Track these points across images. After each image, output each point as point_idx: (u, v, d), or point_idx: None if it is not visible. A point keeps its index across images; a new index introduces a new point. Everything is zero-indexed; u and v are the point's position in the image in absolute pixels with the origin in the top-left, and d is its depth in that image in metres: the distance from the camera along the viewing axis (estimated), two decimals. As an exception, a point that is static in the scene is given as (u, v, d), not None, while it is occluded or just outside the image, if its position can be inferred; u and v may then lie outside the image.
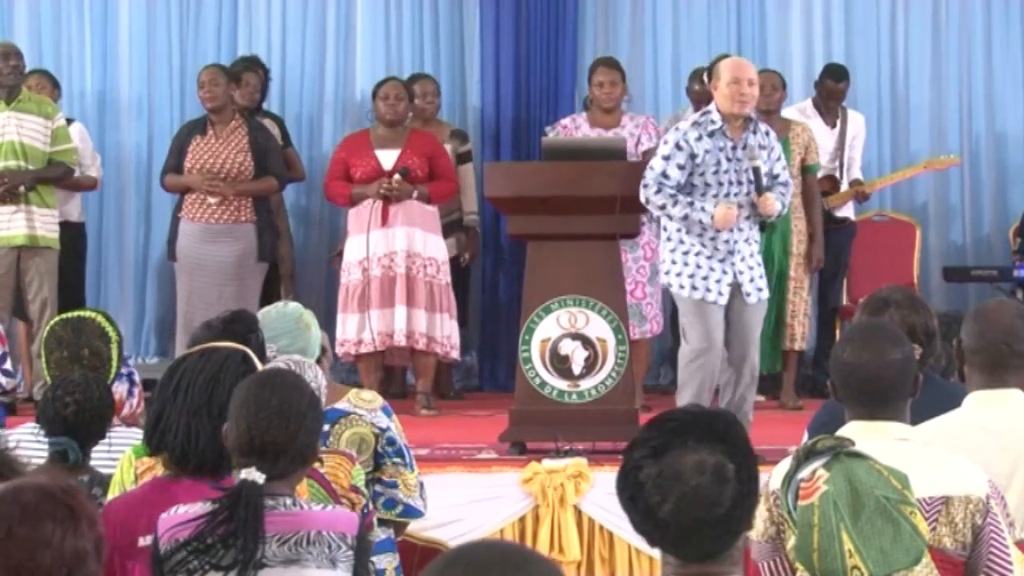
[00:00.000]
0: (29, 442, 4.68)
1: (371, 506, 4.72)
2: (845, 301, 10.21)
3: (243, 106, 9.59)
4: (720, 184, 7.34)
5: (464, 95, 10.81)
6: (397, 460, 5.12)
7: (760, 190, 7.35)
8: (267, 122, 9.81)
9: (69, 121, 9.80)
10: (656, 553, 7.43)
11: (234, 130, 9.22)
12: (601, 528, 7.17)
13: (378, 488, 5.11)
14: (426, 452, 7.43)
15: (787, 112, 9.75)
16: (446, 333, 9.13)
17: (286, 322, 5.08)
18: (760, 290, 7.48)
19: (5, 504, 2.62)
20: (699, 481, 2.78)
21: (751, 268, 7.43)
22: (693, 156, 7.33)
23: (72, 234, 9.67)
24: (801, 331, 9.42)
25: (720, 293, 7.37)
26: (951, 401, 4.24)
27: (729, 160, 7.35)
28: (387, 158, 9.18)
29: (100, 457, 4.73)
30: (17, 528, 2.60)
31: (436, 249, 9.15)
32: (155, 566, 3.60)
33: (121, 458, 4.37)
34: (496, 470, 7.30)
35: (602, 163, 7.68)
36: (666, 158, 7.37)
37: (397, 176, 9.05)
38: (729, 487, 2.80)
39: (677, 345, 8.06)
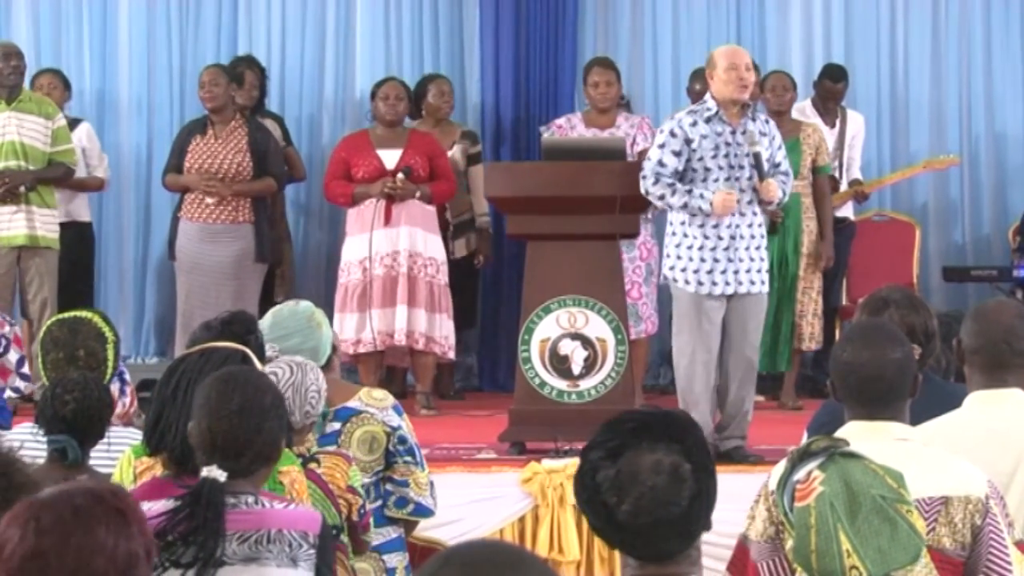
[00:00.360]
0: (28, 441, 4.68)
1: (368, 507, 4.72)
2: (845, 301, 10.21)
3: (242, 106, 9.59)
4: (720, 168, 7.33)
5: (464, 95, 10.81)
6: (408, 459, 5.13)
7: (761, 176, 7.33)
8: (268, 122, 9.81)
9: (77, 121, 9.82)
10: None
11: (234, 130, 9.22)
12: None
13: (389, 487, 5.12)
14: (426, 452, 7.35)
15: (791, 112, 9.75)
16: (444, 333, 9.14)
17: (298, 321, 5.08)
18: (762, 283, 7.45)
19: (56, 509, 2.59)
20: (656, 481, 2.78)
21: (752, 259, 7.41)
22: (688, 142, 7.33)
23: (81, 234, 9.69)
24: (810, 331, 9.42)
25: (727, 283, 7.35)
26: (951, 401, 4.24)
27: (728, 145, 7.34)
28: (389, 158, 9.18)
29: (99, 457, 4.73)
30: (71, 534, 2.57)
31: (436, 249, 9.16)
32: None
33: (120, 458, 4.37)
34: (496, 470, 7.30)
35: (602, 163, 7.68)
36: (661, 147, 7.38)
37: (401, 176, 9.06)
38: (686, 487, 2.80)
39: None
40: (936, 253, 10.81)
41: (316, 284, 10.62)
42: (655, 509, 2.78)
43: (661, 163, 7.34)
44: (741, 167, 7.36)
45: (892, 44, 10.92)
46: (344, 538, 4.64)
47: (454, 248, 9.74)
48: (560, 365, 7.59)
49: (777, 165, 7.51)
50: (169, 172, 9.34)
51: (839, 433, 3.63)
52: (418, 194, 9.11)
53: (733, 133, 7.36)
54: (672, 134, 7.37)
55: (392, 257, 9.03)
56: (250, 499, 3.65)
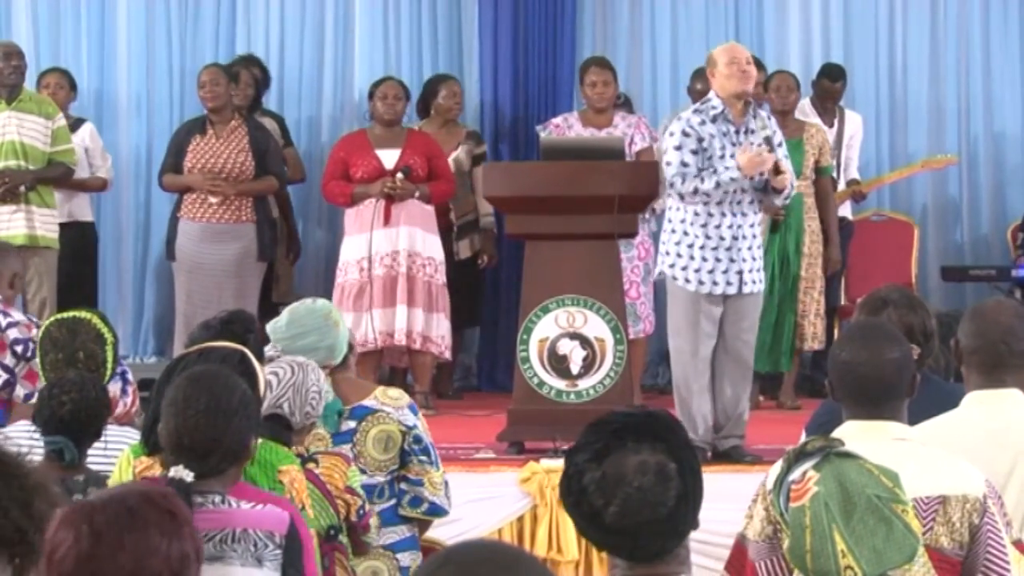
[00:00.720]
0: (24, 441, 4.67)
1: (367, 507, 4.72)
2: (843, 301, 10.21)
3: (239, 105, 9.58)
4: (727, 169, 7.32)
5: (463, 95, 10.80)
6: (423, 458, 5.14)
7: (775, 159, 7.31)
8: (267, 121, 9.81)
9: (81, 121, 9.82)
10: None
11: (234, 130, 9.23)
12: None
13: (403, 486, 5.14)
14: (424, 452, 7.42)
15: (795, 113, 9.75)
16: (441, 333, 9.14)
17: (315, 318, 5.09)
18: (759, 281, 7.46)
19: (109, 511, 2.60)
20: (642, 482, 2.79)
21: (753, 258, 7.42)
22: (700, 140, 7.33)
23: (83, 233, 9.68)
24: (812, 331, 9.42)
25: (728, 283, 7.35)
26: (949, 401, 4.24)
27: (733, 144, 7.35)
28: (388, 158, 9.18)
29: (95, 457, 4.72)
30: (126, 535, 2.58)
31: (434, 249, 9.16)
32: None
33: (119, 457, 4.37)
34: (494, 470, 7.31)
35: (601, 163, 7.68)
36: (678, 148, 7.35)
37: (400, 176, 9.06)
38: (672, 486, 2.80)
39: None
40: (935, 253, 10.81)
41: (315, 284, 10.60)
42: (642, 510, 2.78)
43: (684, 163, 7.32)
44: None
45: (891, 44, 10.92)
46: (343, 539, 4.64)
47: (458, 249, 9.74)
48: (559, 365, 7.59)
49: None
50: (166, 172, 9.33)
51: (837, 432, 3.63)
52: (417, 194, 9.11)
53: (737, 132, 7.36)
54: (685, 134, 7.35)
55: (392, 257, 9.03)
56: (217, 499, 3.65)
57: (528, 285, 7.67)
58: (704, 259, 7.36)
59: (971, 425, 4.12)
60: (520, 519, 7.19)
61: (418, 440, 5.14)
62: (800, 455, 3.43)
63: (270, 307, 9.84)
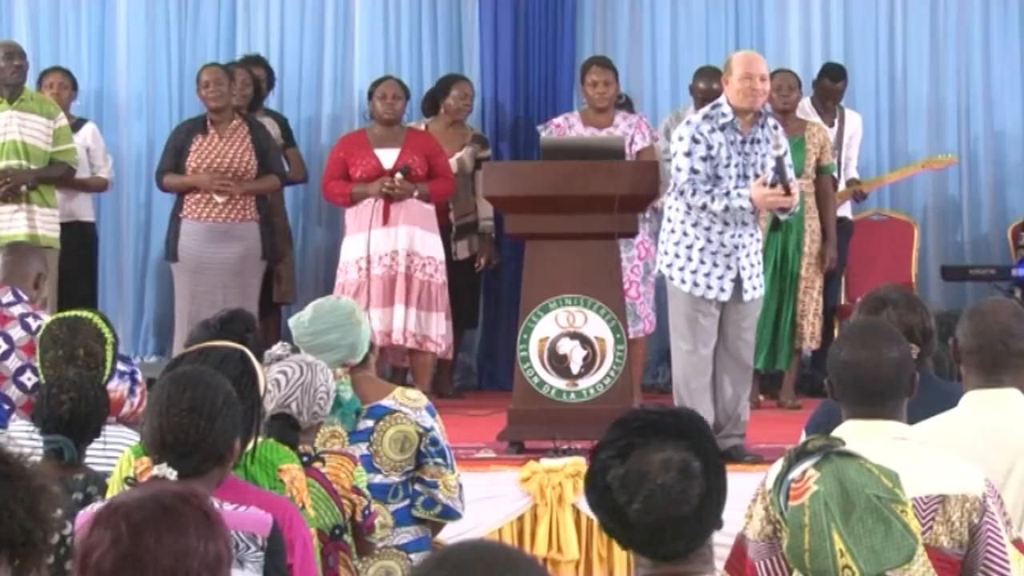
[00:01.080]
0: (23, 440, 4.67)
1: (372, 508, 4.72)
2: (843, 300, 10.21)
3: (237, 105, 9.58)
4: (730, 178, 7.33)
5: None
6: (439, 460, 5.14)
7: (785, 182, 7.30)
8: (268, 121, 9.82)
9: (83, 121, 9.82)
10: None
11: (236, 129, 9.23)
12: (599, 527, 7.16)
13: (418, 487, 5.14)
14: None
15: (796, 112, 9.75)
16: (440, 332, 9.14)
17: (338, 316, 5.10)
18: (759, 287, 7.48)
19: (146, 511, 2.60)
20: (665, 480, 2.78)
21: (752, 265, 7.44)
22: (710, 147, 7.33)
23: (84, 233, 9.68)
24: (810, 330, 9.43)
25: (722, 289, 7.36)
26: (948, 401, 4.24)
27: (739, 154, 7.35)
28: (387, 157, 9.19)
29: (95, 456, 4.73)
30: (165, 535, 2.58)
31: (434, 248, 9.16)
32: (57, 562, 3.59)
33: (120, 458, 4.37)
34: (494, 469, 7.31)
35: (601, 162, 7.68)
36: (688, 154, 7.34)
37: (399, 175, 9.06)
38: (696, 484, 2.80)
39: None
40: (935, 252, 10.81)
41: (315, 284, 10.61)
42: (665, 507, 2.78)
43: (694, 170, 7.32)
44: (746, 176, 7.36)
45: (891, 43, 10.92)
46: (348, 538, 4.64)
47: (456, 249, 9.74)
48: (559, 364, 7.60)
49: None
50: (166, 173, 9.32)
51: (837, 432, 3.63)
52: (416, 193, 9.11)
53: (744, 143, 7.37)
54: (695, 140, 7.33)
55: (391, 257, 9.04)
56: None
57: (528, 285, 7.68)
58: (702, 262, 7.36)
59: (969, 425, 4.12)
60: (520, 519, 7.20)
61: (435, 442, 5.14)
62: (801, 454, 3.43)
63: (270, 307, 9.87)
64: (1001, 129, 10.90)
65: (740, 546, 3.66)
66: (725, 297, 7.37)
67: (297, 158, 10.13)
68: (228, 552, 2.66)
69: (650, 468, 2.78)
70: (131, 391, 5.40)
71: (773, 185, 7.29)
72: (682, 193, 7.33)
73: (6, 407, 6.17)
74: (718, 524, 2.86)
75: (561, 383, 7.60)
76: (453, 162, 9.55)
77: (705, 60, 10.15)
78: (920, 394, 3.87)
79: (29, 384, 6.11)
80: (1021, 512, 4.02)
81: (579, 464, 7.19)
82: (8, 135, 9.02)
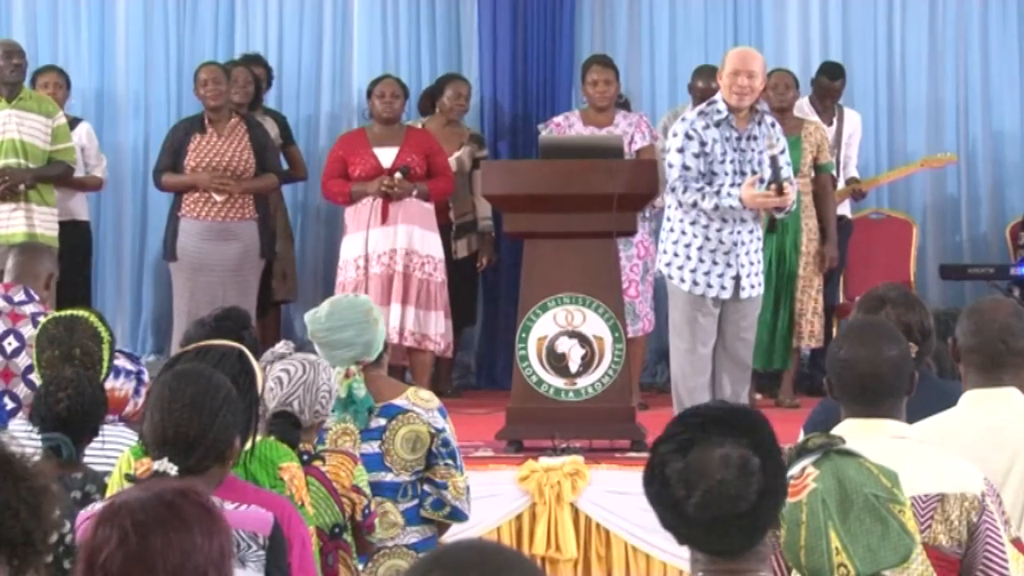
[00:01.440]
0: (21, 439, 4.67)
1: (372, 507, 4.72)
2: (842, 299, 10.21)
3: (238, 103, 9.59)
4: (726, 174, 7.33)
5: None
6: (449, 462, 5.16)
7: (778, 181, 7.30)
8: (267, 119, 9.82)
9: (77, 121, 9.81)
10: (652, 551, 7.41)
11: (234, 128, 9.24)
12: (598, 526, 7.17)
13: (427, 488, 5.15)
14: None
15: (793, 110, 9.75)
16: (440, 331, 9.14)
17: (356, 313, 5.10)
18: (757, 285, 7.48)
19: (151, 509, 2.60)
20: (724, 475, 2.79)
21: (752, 263, 7.44)
22: (703, 144, 7.33)
23: (79, 232, 9.68)
24: (809, 329, 9.42)
25: (723, 287, 7.36)
26: (946, 400, 4.24)
27: (735, 151, 7.35)
28: (386, 156, 9.19)
29: (93, 455, 4.72)
30: (173, 534, 2.59)
31: (433, 247, 9.16)
32: (56, 561, 3.59)
33: (119, 458, 4.36)
34: (493, 468, 7.31)
35: (600, 161, 7.68)
36: (680, 151, 7.36)
37: (398, 174, 9.06)
38: (754, 481, 2.80)
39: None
40: (933, 251, 10.81)
41: (314, 282, 10.62)
42: (723, 503, 2.78)
43: (685, 167, 7.33)
44: (743, 173, 7.36)
45: (889, 42, 10.92)
46: (348, 537, 4.63)
47: (456, 248, 9.74)
48: (557, 363, 7.60)
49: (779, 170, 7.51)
50: (163, 172, 9.32)
51: (836, 431, 3.63)
52: (415, 192, 9.11)
53: (739, 139, 7.36)
54: (688, 136, 7.35)
55: (389, 255, 9.04)
56: None
57: (527, 283, 7.67)
58: (701, 260, 7.37)
59: (969, 424, 4.12)
60: (519, 517, 7.20)
61: (446, 443, 5.16)
62: (802, 451, 3.43)
63: (270, 305, 9.87)
64: (1000, 128, 10.90)
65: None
66: (725, 295, 7.37)
67: (296, 156, 10.13)
68: (230, 547, 2.67)
69: (710, 463, 2.79)
70: (136, 391, 5.41)
71: (771, 183, 7.29)
72: (673, 190, 7.34)
73: (14, 405, 6.20)
74: (776, 522, 2.88)
75: (560, 382, 7.59)
76: (451, 161, 9.55)
77: (704, 59, 10.15)
78: (919, 393, 3.87)
79: (38, 382, 6.14)
80: (1020, 511, 4.02)
81: (577, 463, 7.19)
82: (7, 134, 9.02)
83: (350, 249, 9.13)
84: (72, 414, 4.58)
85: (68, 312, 5.29)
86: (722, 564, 2.83)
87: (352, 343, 5.06)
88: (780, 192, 7.27)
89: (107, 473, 4.42)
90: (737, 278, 7.38)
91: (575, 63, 10.45)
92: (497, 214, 9.62)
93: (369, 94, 9.49)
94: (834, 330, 9.76)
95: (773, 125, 7.56)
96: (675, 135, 7.43)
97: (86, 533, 2.64)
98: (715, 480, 2.78)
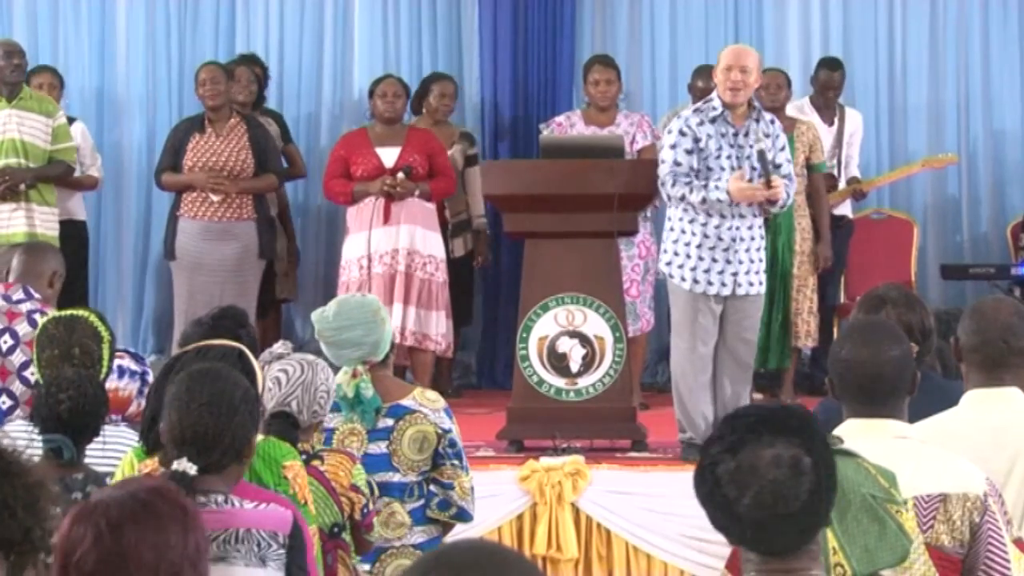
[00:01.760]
0: (22, 440, 4.66)
1: (371, 506, 4.72)
2: (843, 299, 10.21)
3: (240, 103, 9.59)
4: (723, 170, 7.34)
5: (462, 93, 10.80)
6: (456, 462, 5.18)
7: (767, 175, 7.31)
8: (264, 119, 9.81)
9: (71, 120, 9.80)
10: (653, 551, 7.39)
11: (233, 128, 9.23)
12: (599, 526, 7.17)
13: (433, 488, 5.16)
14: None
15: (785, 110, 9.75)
16: (441, 331, 9.14)
17: (364, 312, 5.11)
18: (758, 283, 7.46)
19: (125, 507, 2.61)
20: (776, 475, 2.80)
21: (752, 260, 7.42)
22: (697, 140, 7.33)
23: (76, 232, 9.67)
24: (805, 329, 9.41)
25: (723, 284, 7.36)
26: (947, 399, 4.24)
27: (731, 146, 7.35)
28: (388, 156, 9.19)
29: (94, 455, 4.72)
30: (147, 530, 2.60)
31: (435, 247, 9.16)
32: None
33: (122, 461, 4.36)
34: (494, 468, 7.31)
35: (600, 161, 7.69)
36: (673, 147, 7.38)
37: (401, 174, 9.06)
38: (806, 480, 2.81)
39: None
40: (934, 251, 10.81)
41: (314, 282, 10.62)
42: (775, 503, 2.79)
43: (676, 163, 7.35)
44: (741, 168, 7.35)
45: (890, 42, 10.91)
46: (347, 536, 4.63)
47: (452, 247, 9.74)
48: (558, 363, 7.60)
49: (778, 167, 7.50)
50: (164, 171, 9.33)
51: (837, 431, 3.63)
52: (417, 192, 9.12)
53: (736, 135, 7.36)
54: (682, 133, 7.37)
55: (391, 255, 9.04)
56: (220, 498, 3.64)
57: (528, 283, 7.67)
58: (701, 258, 7.36)
59: (970, 424, 4.11)
60: (519, 517, 7.20)
61: (453, 444, 5.17)
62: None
63: (270, 304, 9.86)
64: (1001, 128, 10.90)
65: (741, 545, 3.66)
66: (726, 292, 7.36)
67: (294, 154, 10.12)
68: (206, 544, 2.67)
69: (761, 463, 2.80)
70: (140, 391, 5.40)
71: (760, 177, 7.30)
72: (663, 184, 7.35)
73: (11, 403, 6.21)
74: (827, 521, 2.88)
75: (560, 382, 7.59)
76: (446, 159, 9.55)
77: (704, 59, 10.14)
78: (920, 393, 3.87)
79: (32, 379, 6.15)
80: (1021, 511, 4.02)
81: (578, 463, 7.19)
82: (7, 134, 9.02)
83: (353, 249, 9.13)
84: (73, 415, 4.57)
85: (68, 312, 5.29)
86: (775, 564, 2.84)
87: (360, 343, 5.06)
88: (769, 186, 7.28)
89: (108, 474, 4.42)
90: (736, 274, 7.36)
91: (575, 63, 10.45)
92: (493, 212, 9.63)
93: (371, 94, 9.49)
94: (835, 330, 9.76)
95: (772, 122, 7.56)
96: (670, 132, 7.46)
97: (62, 531, 2.64)
98: (767, 480, 2.80)
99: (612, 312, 7.58)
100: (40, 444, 4.57)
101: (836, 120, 10.10)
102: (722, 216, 7.34)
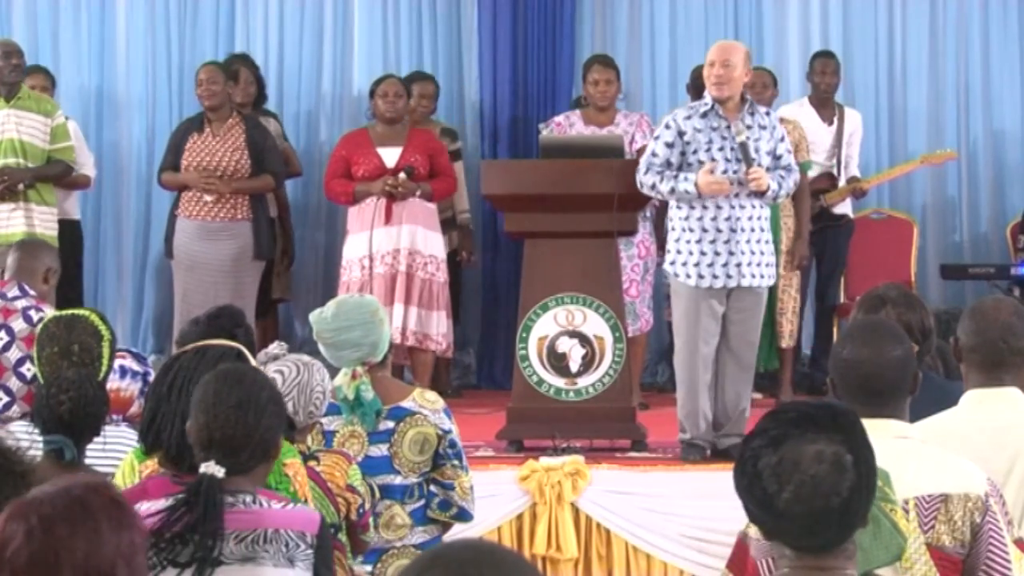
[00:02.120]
0: (22, 440, 4.66)
1: (367, 506, 4.72)
2: (843, 299, 10.21)
3: (241, 103, 9.59)
4: (714, 161, 7.33)
5: (462, 92, 10.82)
6: (456, 463, 5.19)
7: (748, 166, 7.31)
8: (265, 119, 9.81)
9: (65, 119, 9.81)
10: (653, 551, 7.38)
11: (231, 128, 9.23)
12: (598, 526, 7.17)
13: (434, 488, 5.17)
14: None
15: (784, 109, 9.75)
16: (441, 331, 9.14)
17: (363, 313, 5.10)
18: (761, 275, 7.41)
19: (58, 503, 2.61)
20: (817, 470, 2.81)
21: (753, 252, 7.38)
22: (681, 134, 7.34)
23: (71, 232, 9.67)
24: (789, 328, 9.41)
25: (728, 276, 7.33)
26: (947, 399, 4.24)
27: (724, 139, 7.35)
28: (389, 156, 9.19)
29: (95, 456, 4.72)
30: (79, 526, 2.59)
31: (436, 247, 9.17)
32: None
33: (123, 462, 4.36)
34: (493, 468, 7.30)
35: (600, 161, 7.69)
36: (656, 139, 7.43)
37: (402, 175, 9.06)
38: (847, 477, 2.82)
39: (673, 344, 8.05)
40: (934, 251, 10.82)
41: (313, 282, 10.62)
42: (815, 498, 2.80)
43: (654, 153, 7.38)
44: (738, 160, 7.36)
45: (890, 42, 10.92)
46: (343, 537, 4.63)
47: (440, 244, 9.73)
48: (558, 363, 7.60)
49: (778, 158, 7.50)
50: (165, 170, 9.35)
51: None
52: (419, 192, 9.12)
53: (728, 128, 7.37)
54: (667, 126, 7.43)
55: (392, 255, 9.04)
56: (248, 498, 3.64)
57: (527, 283, 7.67)
58: (703, 252, 7.35)
59: (970, 424, 4.11)
60: (519, 517, 7.19)
61: (453, 444, 5.18)
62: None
63: (269, 305, 9.86)
64: (1000, 128, 10.90)
65: (742, 544, 3.65)
66: (732, 283, 7.34)
67: (290, 153, 10.11)
68: (142, 541, 2.66)
69: (803, 458, 2.81)
70: (141, 392, 5.41)
71: (748, 167, 7.32)
72: (638, 171, 7.36)
73: (7, 399, 6.21)
74: (864, 521, 2.88)
75: (560, 382, 7.59)
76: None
77: (704, 59, 10.14)
78: (920, 393, 3.87)
79: (28, 375, 6.15)
80: (1021, 511, 4.02)
81: (578, 463, 7.18)
82: (6, 134, 9.03)
83: (354, 249, 9.13)
84: (74, 416, 4.57)
85: (68, 311, 5.30)
86: (810, 560, 2.85)
87: (359, 343, 5.06)
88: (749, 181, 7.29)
89: (109, 474, 4.41)
90: (739, 265, 7.34)
91: (575, 63, 10.45)
92: (492, 212, 9.63)
93: (372, 94, 9.49)
94: (835, 330, 9.76)
95: (767, 114, 7.56)
96: (658, 127, 7.49)
97: None
98: (808, 475, 2.80)
99: (612, 312, 7.58)
100: (41, 445, 4.57)
101: (835, 120, 10.10)
102: (718, 206, 7.34)
